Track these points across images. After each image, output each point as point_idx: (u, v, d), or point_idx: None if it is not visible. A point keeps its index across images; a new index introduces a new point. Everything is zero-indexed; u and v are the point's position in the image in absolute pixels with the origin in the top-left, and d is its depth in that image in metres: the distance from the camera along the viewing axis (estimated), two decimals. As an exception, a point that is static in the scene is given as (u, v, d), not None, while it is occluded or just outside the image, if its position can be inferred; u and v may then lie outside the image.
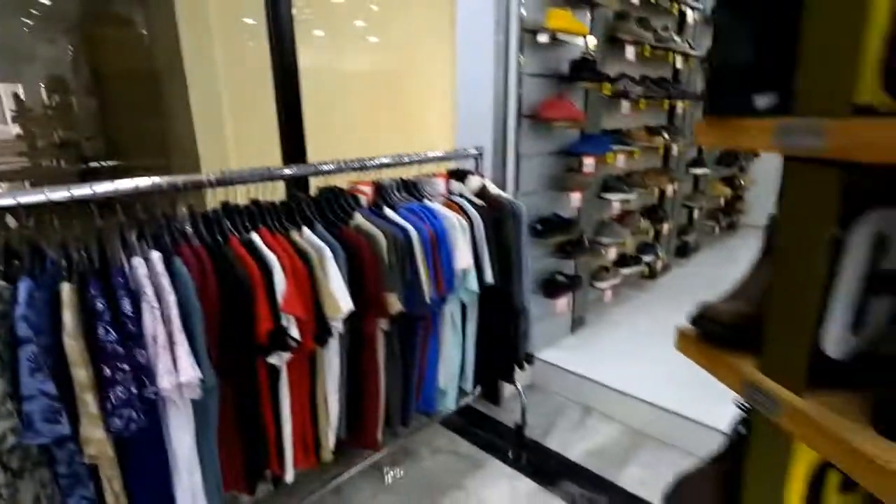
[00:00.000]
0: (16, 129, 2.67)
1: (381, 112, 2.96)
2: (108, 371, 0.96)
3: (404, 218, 1.56)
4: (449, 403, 1.87)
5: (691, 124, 3.48)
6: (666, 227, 3.46)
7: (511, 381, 2.01)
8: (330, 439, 1.51)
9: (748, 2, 0.60)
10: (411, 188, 1.72)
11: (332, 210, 1.49)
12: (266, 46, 1.63)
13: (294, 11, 1.64)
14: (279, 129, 1.72)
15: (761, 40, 0.58)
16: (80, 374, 0.94)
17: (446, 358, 1.79)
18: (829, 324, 0.57)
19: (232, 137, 2.47)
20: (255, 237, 1.27)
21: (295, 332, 1.22)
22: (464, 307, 1.77)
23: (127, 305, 0.99)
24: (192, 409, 1.15)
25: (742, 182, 4.78)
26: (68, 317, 0.93)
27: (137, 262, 1.06)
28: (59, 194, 1.05)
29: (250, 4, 2.02)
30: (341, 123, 2.65)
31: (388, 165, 1.63)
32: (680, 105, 3.16)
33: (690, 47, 3.02)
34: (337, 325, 1.34)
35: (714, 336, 0.73)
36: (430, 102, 3.13)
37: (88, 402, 0.95)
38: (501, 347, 1.90)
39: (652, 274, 3.67)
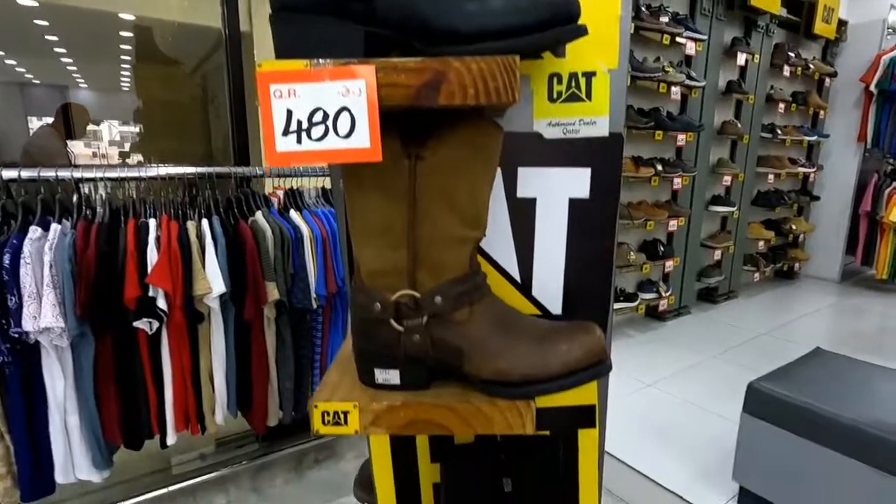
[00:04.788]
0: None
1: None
2: (-18, 309, 1.22)
3: (306, 219, 1.72)
4: (358, 404, 1.94)
5: (703, 157, 3.29)
6: (670, 264, 3.25)
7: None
8: (217, 414, 1.66)
9: None
10: (329, 195, 1.88)
11: (240, 208, 1.70)
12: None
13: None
14: (231, 139, 2.00)
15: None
16: (-41, 308, 1.20)
17: (353, 358, 1.88)
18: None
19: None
20: (151, 221, 1.50)
21: (162, 304, 1.41)
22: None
23: (6, 260, 1.25)
24: (68, 358, 1.38)
25: (794, 226, 4.33)
26: (-41, 263, 1.21)
27: (33, 229, 1.32)
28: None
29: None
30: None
31: (300, 175, 1.81)
32: (682, 137, 3.03)
33: (690, 78, 2.92)
34: (212, 305, 1.51)
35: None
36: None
37: (-38, 331, 1.20)
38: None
39: (658, 315, 3.44)
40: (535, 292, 0.64)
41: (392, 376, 0.53)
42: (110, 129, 4.39)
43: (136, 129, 4.04)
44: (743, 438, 1.56)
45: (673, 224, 3.17)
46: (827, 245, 4.62)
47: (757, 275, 4.12)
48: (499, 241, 0.62)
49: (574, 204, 0.61)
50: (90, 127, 3.78)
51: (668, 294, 3.29)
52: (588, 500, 0.69)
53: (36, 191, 1.43)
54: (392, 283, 0.52)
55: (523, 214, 0.62)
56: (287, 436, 2.16)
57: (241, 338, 1.64)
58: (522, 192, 0.61)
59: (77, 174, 1.46)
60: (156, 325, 1.44)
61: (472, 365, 0.52)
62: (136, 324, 1.41)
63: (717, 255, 3.67)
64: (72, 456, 1.45)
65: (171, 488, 1.82)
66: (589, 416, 0.68)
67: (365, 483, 0.84)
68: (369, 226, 0.51)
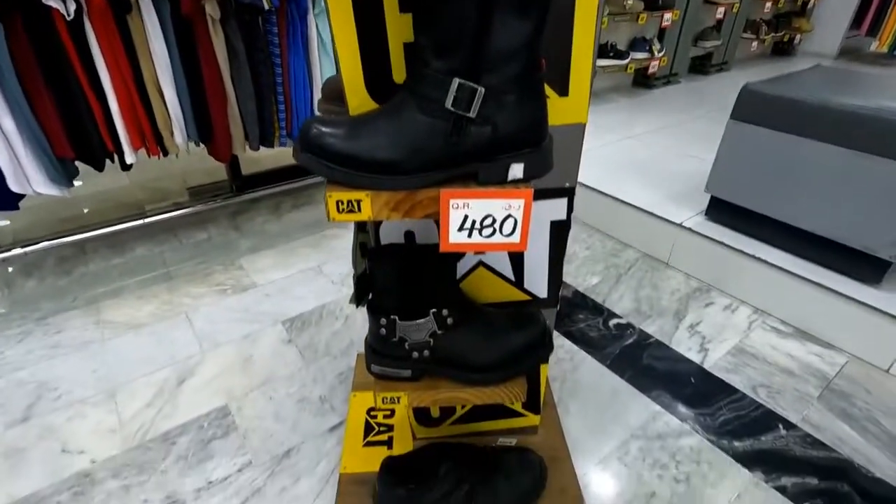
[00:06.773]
0: None
1: None
2: None
3: None
4: (330, 140, 1.84)
5: None
6: (668, 17, 2.95)
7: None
8: (176, 135, 1.54)
9: None
10: None
11: None
12: None
13: None
14: None
15: None
16: None
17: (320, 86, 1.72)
18: None
19: None
20: None
21: (72, -25, 1.16)
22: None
23: None
24: (-25, 43, 1.17)
25: (807, -11, 3.90)
26: None
27: None
28: None
29: None
30: None
31: None
32: None
33: None
34: (137, -12, 1.26)
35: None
36: None
37: None
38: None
39: (646, 81, 3.26)
40: None
41: None
42: None
43: None
44: (724, 148, 1.54)
45: (679, -35, 2.77)
46: (834, 15, 4.25)
47: (755, 44, 3.85)
48: None
49: None
50: None
51: (661, 54, 3.06)
52: (581, 53, 0.61)
53: None
54: None
55: None
56: (261, 184, 2.12)
57: (186, 45, 1.43)
58: None
59: None
60: (72, 6, 1.20)
61: None
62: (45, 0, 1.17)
63: (720, 13, 3.33)
64: (21, 166, 1.35)
65: (148, 220, 1.81)
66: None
67: (331, 94, 0.75)
68: None
